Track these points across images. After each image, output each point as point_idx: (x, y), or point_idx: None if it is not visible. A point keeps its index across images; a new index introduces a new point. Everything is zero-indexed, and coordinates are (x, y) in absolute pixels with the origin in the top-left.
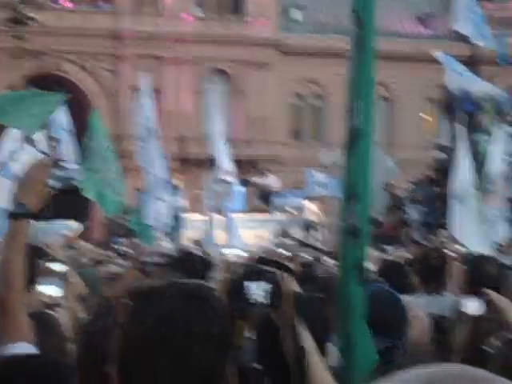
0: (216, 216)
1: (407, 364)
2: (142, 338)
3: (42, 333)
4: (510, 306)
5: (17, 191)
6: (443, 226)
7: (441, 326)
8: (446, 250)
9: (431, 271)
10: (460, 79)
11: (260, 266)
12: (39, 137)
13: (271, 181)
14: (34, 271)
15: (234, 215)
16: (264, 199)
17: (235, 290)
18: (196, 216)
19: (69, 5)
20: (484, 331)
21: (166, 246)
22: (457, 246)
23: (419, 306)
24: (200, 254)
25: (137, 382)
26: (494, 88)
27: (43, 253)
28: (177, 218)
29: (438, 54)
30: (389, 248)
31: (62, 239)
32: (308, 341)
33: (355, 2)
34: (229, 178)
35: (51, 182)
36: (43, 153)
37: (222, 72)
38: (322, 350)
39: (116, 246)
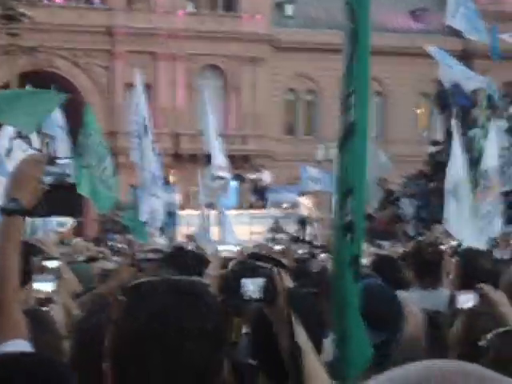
0: (210, 212)
1: (402, 359)
2: (135, 334)
3: (36, 330)
4: (503, 299)
5: (9, 187)
6: (438, 221)
7: (435, 321)
8: (441, 245)
9: (425, 266)
10: (453, 73)
11: (254, 261)
12: (33, 133)
13: (265, 176)
14: (28, 268)
15: (228, 211)
16: (258, 195)
17: (229, 286)
18: (190, 212)
19: (61, 1)
20: (479, 326)
21: (160, 242)
22: (451, 241)
23: (413, 301)
24: (193, 249)
25: (130, 378)
26: (487, 81)
27: (37, 250)
28: (171, 214)
29: (431, 49)
30: (385, 243)
31: (56, 236)
32: (302, 336)
33: None
34: (223, 174)
35: (45, 179)
36: (36, 149)
37: (215, 67)
38: (317, 346)
39: (110, 243)
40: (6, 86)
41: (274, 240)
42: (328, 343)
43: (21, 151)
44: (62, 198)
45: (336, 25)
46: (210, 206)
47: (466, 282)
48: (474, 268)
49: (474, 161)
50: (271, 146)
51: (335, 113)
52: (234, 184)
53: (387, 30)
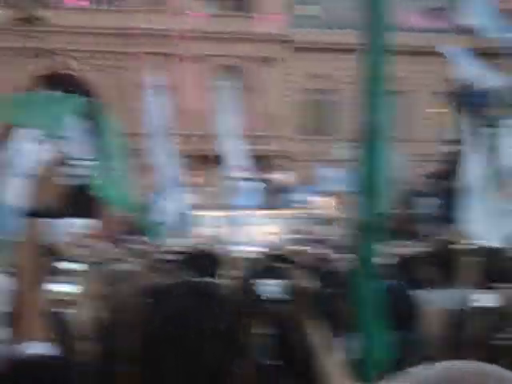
0: (229, 213)
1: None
2: (150, 337)
3: (57, 332)
4: None
5: (33, 190)
6: (458, 220)
7: (455, 320)
8: (459, 244)
9: (445, 265)
10: (470, 72)
11: (272, 262)
12: (52, 136)
13: (284, 177)
14: (49, 270)
15: (246, 212)
16: (277, 195)
17: (248, 286)
18: (210, 213)
19: (78, 3)
20: (499, 326)
21: (179, 243)
22: (470, 240)
23: (432, 301)
24: (212, 251)
25: (146, 381)
26: (504, 80)
27: (58, 252)
28: (190, 216)
29: (445, 48)
30: (407, 243)
31: (77, 238)
32: (321, 336)
33: None
34: (243, 175)
35: (65, 181)
36: (56, 152)
37: (231, 68)
38: (335, 345)
39: (129, 244)
40: (22, 89)
41: (293, 241)
42: (349, 343)
43: (41, 154)
44: (81, 200)
45: (353, 25)
46: (231, 207)
47: (487, 281)
48: (495, 267)
49: (492, 158)
50: (287, 147)
51: (351, 113)
52: (256, 185)
53: (403, 30)
